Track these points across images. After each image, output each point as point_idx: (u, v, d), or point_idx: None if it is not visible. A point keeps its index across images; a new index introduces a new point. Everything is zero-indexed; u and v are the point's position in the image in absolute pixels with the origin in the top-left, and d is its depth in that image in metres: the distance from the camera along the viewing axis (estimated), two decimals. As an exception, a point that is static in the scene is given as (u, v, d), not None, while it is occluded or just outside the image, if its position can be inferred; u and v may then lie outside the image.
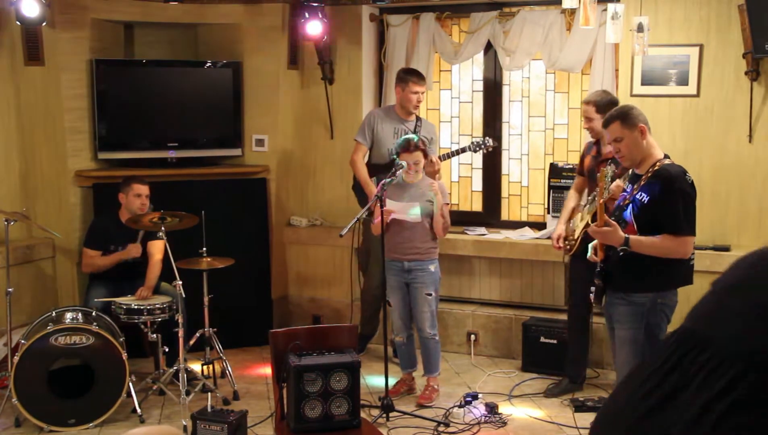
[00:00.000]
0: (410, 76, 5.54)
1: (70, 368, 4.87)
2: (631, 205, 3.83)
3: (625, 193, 3.96)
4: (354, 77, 6.44)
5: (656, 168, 3.80)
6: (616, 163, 4.64)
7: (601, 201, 3.84)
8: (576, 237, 5.14)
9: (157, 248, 5.29)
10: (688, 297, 5.29)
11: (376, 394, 5.15)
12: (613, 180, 3.92)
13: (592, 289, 4.01)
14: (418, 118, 5.70)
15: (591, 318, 5.37)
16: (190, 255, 5.15)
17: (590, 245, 4.07)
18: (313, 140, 6.37)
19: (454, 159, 6.46)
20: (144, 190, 5.33)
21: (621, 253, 3.80)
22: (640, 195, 3.79)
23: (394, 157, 5.09)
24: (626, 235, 3.75)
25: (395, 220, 5.03)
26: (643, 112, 3.95)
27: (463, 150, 5.74)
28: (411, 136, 5.11)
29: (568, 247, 5.14)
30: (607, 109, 4.97)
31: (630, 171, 4.04)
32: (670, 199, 3.72)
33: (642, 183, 3.82)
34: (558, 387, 5.38)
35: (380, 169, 5.52)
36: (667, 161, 3.85)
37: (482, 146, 5.66)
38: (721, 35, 5.35)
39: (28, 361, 4.59)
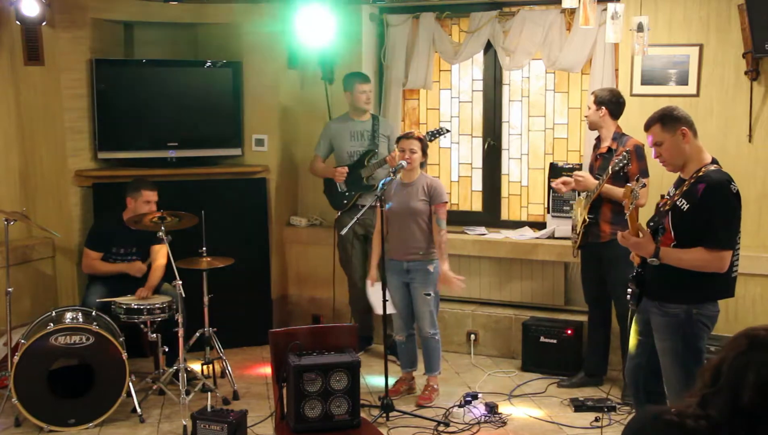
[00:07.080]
0: (355, 78, 5.88)
1: (70, 368, 4.88)
2: (670, 211, 3.60)
3: (668, 197, 3.72)
4: (354, 77, 6.44)
5: (700, 174, 3.55)
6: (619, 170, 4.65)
7: (629, 212, 3.63)
8: (578, 232, 5.15)
9: (161, 253, 5.29)
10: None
11: (376, 394, 5.15)
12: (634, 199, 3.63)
13: (629, 290, 3.81)
14: (374, 117, 5.93)
15: (611, 312, 5.29)
16: (190, 255, 5.15)
17: None
18: (313, 140, 6.35)
19: (454, 159, 6.50)
20: (153, 196, 5.29)
21: (653, 263, 3.60)
22: (681, 201, 3.55)
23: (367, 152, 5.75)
24: (657, 247, 3.56)
25: (395, 220, 5.05)
26: (688, 113, 3.67)
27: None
28: (412, 130, 5.32)
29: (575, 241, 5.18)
30: (606, 106, 5.03)
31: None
32: (708, 208, 3.47)
33: (684, 188, 3.57)
34: (569, 380, 5.38)
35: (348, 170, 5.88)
36: (713, 167, 3.58)
37: (437, 135, 5.55)
38: (720, 35, 5.35)
39: (28, 360, 4.59)
